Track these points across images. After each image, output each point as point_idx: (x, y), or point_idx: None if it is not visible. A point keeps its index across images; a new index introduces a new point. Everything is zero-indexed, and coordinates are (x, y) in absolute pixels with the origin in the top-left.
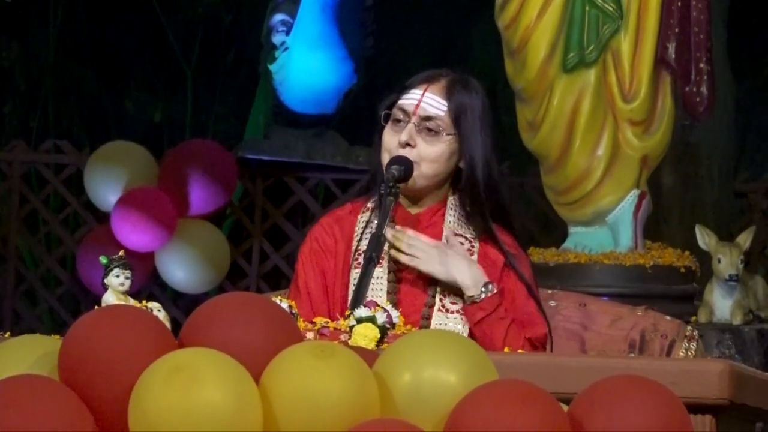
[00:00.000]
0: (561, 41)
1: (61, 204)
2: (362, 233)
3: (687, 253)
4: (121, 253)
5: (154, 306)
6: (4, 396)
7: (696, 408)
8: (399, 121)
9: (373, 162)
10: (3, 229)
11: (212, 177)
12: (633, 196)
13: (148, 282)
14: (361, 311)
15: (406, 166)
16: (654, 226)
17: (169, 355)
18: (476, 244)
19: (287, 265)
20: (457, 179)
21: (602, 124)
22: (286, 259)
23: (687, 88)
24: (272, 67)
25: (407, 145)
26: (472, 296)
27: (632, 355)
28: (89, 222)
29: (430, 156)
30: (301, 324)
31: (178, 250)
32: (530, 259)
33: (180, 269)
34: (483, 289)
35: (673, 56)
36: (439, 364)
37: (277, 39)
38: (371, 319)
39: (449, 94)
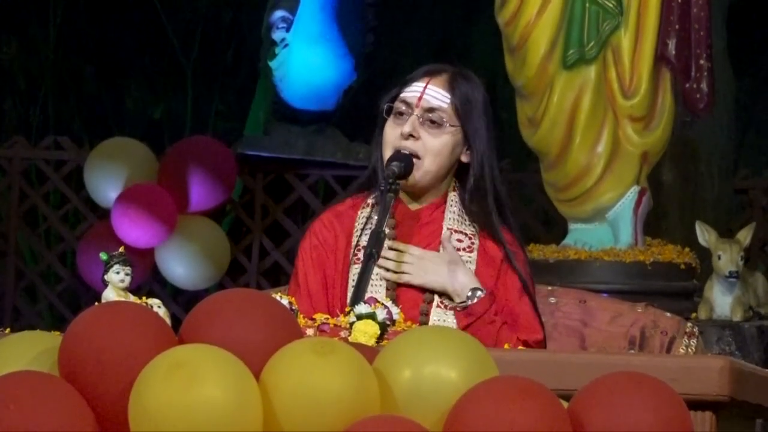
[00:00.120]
0: (561, 38)
1: (61, 200)
2: (362, 229)
3: (687, 249)
4: (121, 249)
5: (154, 302)
6: (5, 392)
7: (696, 405)
8: (401, 113)
9: (373, 157)
10: (3, 226)
11: (212, 173)
12: (633, 192)
13: (148, 278)
14: (361, 308)
15: (406, 162)
16: (654, 223)
17: (169, 352)
18: (476, 241)
19: (287, 261)
20: (457, 175)
21: (602, 121)
22: (286, 255)
23: (687, 85)
24: (272, 64)
25: (410, 136)
26: (459, 303)
27: (632, 351)
28: (89, 218)
29: (434, 148)
30: (301, 320)
31: (178, 247)
32: (529, 257)
33: (180, 266)
34: (470, 294)
35: (674, 53)
36: (440, 360)
37: (277, 36)
38: (371, 316)
39: (452, 87)
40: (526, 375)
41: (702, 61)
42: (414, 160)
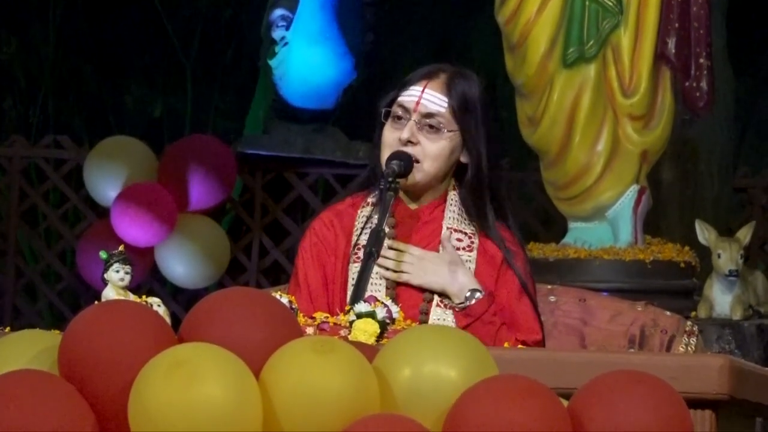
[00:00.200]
0: (561, 36)
1: (61, 199)
2: (362, 228)
3: (687, 248)
4: (121, 248)
5: (154, 301)
6: (4, 391)
7: (696, 403)
8: (399, 118)
9: (373, 158)
10: (3, 225)
11: (212, 172)
12: (633, 191)
13: (148, 277)
14: (361, 306)
15: (405, 161)
16: (654, 222)
17: (169, 351)
18: (476, 240)
19: (287, 260)
20: (456, 174)
21: (602, 119)
22: (285, 254)
23: (687, 84)
24: (272, 62)
25: (409, 142)
26: (458, 303)
27: (632, 350)
28: (89, 217)
29: (432, 153)
30: (301, 319)
31: (178, 246)
32: (528, 256)
33: (180, 264)
34: (468, 295)
35: (673, 51)
36: (440, 359)
37: (276, 34)
38: (371, 315)
39: (449, 90)
40: (525, 374)
41: (702, 60)
42: (413, 163)
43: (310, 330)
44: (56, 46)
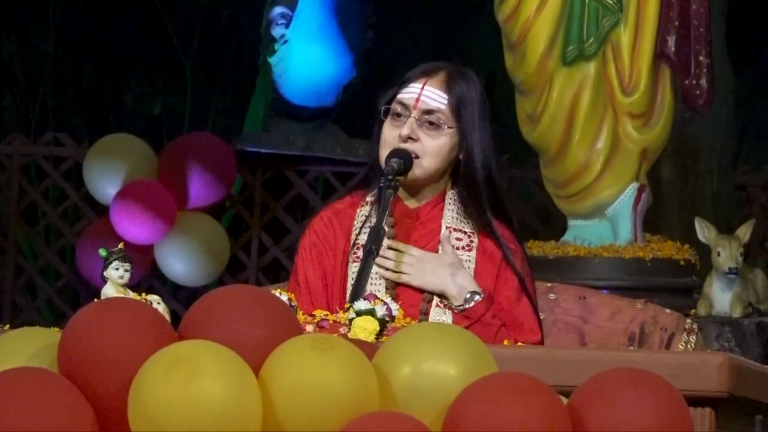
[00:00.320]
0: (560, 34)
1: (61, 197)
2: (361, 227)
3: (686, 246)
4: (121, 245)
5: (154, 299)
6: (4, 389)
7: (695, 401)
8: (399, 115)
9: (372, 156)
10: (2, 222)
11: (211, 170)
12: (632, 189)
13: (148, 275)
14: (361, 304)
15: (405, 159)
16: (653, 219)
17: (169, 348)
18: (475, 239)
19: (286, 258)
20: (455, 172)
21: (602, 117)
22: (285, 252)
23: (686, 81)
24: (272, 60)
25: (409, 138)
26: (458, 305)
27: (632, 348)
28: (88, 215)
29: (432, 149)
30: (301, 317)
31: (178, 243)
32: (528, 254)
33: (179, 262)
34: (467, 297)
35: (673, 49)
36: (439, 356)
37: (276, 32)
38: (371, 312)
39: (449, 87)
40: (525, 371)
41: (701, 58)
42: (413, 159)
43: (309, 328)
44: (56, 44)
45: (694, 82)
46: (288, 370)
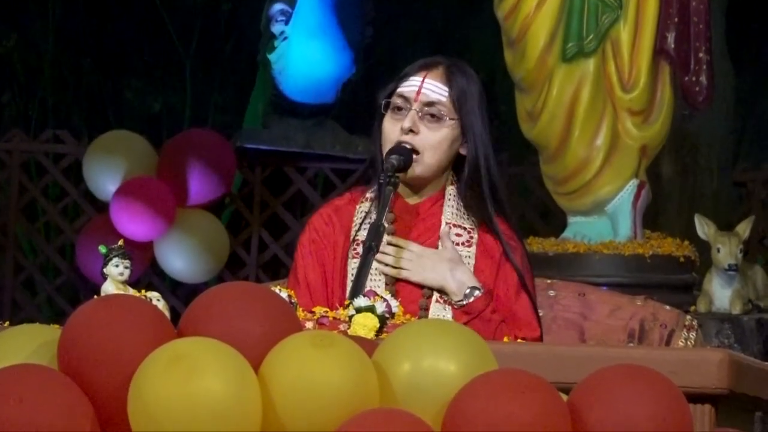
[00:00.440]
0: (560, 31)
1: (60, 193)
2: (361, 223)
3: (686, 242)
4: (120, 242)
5: (153, 295)
6: (4, 385)
7: (695, 397)
8: (400, 108)
9: (372, 151)
10: (2, 219)
11: (211, 167)
12: (632, 185)
13: (147, 271)
14: (361, 301)
15: (405, 155)
16: (653, 216)
17: (169, 345)
18: (475, 235)
19: (286, 254)
20: (455, 168)
21: (601, 114)
22: (285, 248)
23: (686, 78)
24: (271, 57)
25: (410, 131)
26: (457, 301)
27: (631, 344)
28: (88, 211)
29: (433, 143)
30: (301, 313)
31: (177, 240)
32: (527, 250)
33: (179, 259)
34: (467, 293)
35: (673, 46)
36: (439, 353)
37: (276, 28)
38: (370, 309)
39: (449, 80)
40: (525, 368)
41: (701, 54)
42: (413, 155)
43: (309, 324)
44: (56, 40)
45: (693, 78)
46: (288, 366)
